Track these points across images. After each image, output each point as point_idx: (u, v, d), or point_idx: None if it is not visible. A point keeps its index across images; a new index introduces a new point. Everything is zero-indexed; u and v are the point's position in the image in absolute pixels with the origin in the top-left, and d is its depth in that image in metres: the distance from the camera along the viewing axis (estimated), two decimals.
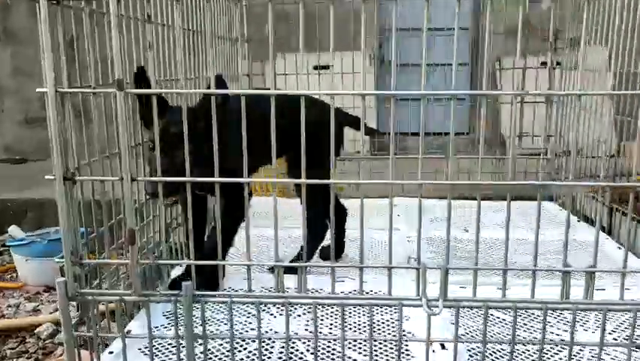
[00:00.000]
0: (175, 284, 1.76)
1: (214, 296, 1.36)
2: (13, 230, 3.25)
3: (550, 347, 1.61)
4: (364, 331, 1.74)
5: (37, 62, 1.31)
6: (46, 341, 2.39)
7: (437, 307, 1.33)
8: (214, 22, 2.49)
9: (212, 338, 1.53)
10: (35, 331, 2.45)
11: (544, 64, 3.58)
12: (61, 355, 2.23)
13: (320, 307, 1.82)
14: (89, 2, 1.28)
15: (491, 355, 1.58)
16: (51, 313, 2.60)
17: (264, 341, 1.64)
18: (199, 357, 1.42)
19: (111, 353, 1.53)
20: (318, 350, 1.56)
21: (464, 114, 4.85)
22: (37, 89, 1.27)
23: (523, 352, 1.60)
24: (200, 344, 1.40)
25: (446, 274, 1.33)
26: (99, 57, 1.43)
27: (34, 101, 5.43)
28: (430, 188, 1.34)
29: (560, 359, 1.57)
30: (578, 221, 2.84)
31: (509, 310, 1.83)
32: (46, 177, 1.31)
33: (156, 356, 1.54)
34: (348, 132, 2.38)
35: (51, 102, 1.26)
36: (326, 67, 3.53)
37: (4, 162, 5.50)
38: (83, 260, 1.37)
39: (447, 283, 1.34)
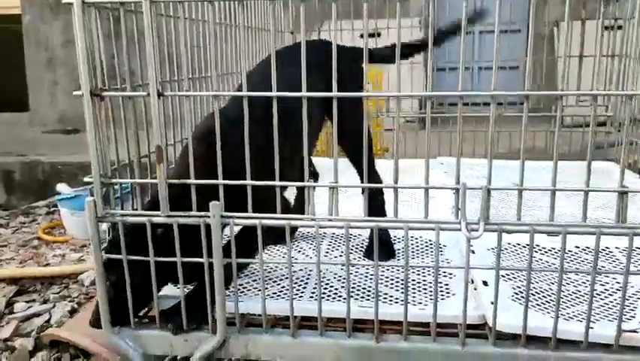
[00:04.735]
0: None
1: (242, 218, 1.31)
2: (61, 187, 3.32)
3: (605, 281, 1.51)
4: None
5: None
6: (89, 287, 2.42)
7: (477, 230, 1.24)
8: None
9: (242, 265, 1.49)
10: (78, 278, 2.49)
11: (607, 28, 3.35)
12: None
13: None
14: None
15: (535, 294, 1.48)
16: None
17: (298, 279, 1.60)
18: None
19: None
20: (352, 288, 1.51)
21: (518, 82, 4.66)
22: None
23: (572, 293, 1.49)
24: None
25: (488, 194, 1.24)
26: None
27: None
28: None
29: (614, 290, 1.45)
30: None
31: (555, 253, 1.74)
32: (74, 92, 1.29)
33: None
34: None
35: (77, 18, 1.23)
36: (372, 35, 3.42)
37: (57, 132, 5.66)
38: (112, 180, 1.35)
39: (489, 205, 1.25)
